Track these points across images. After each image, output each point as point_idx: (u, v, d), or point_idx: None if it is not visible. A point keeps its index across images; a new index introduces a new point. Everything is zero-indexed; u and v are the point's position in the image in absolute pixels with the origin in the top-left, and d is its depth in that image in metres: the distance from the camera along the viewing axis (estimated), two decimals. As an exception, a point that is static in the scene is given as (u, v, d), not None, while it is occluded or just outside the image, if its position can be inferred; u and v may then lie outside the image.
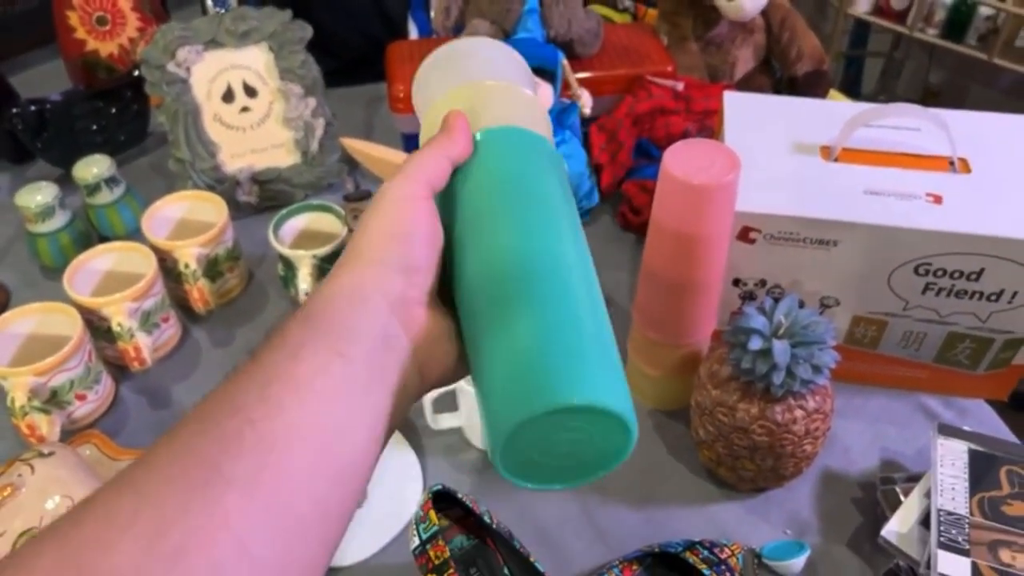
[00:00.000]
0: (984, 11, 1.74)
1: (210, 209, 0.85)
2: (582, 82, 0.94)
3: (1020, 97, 1.97)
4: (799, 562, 0.62)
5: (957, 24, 1.78)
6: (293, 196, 0.98)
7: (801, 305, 0.63)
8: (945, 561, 0.57)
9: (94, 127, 1.02)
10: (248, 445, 0.28)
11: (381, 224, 0.35)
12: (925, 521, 0.61)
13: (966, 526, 0.59)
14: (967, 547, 0.58)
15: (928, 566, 0.58)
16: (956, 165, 0.69)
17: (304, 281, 0.79)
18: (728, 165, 0.61)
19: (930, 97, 2.14)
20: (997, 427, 0.74)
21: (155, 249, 0.79)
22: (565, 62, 0.91)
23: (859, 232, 0.65)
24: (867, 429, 0.74)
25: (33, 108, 0.97)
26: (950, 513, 0.60)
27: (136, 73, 1.01)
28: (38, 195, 0.85)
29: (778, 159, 0.70)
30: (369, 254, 0.35)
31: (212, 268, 0.83)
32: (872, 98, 2.27)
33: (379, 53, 1.04)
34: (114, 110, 1.03)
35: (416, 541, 0.54)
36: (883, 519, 0.63)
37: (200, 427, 0.29)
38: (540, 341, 0.32)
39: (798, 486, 0.69)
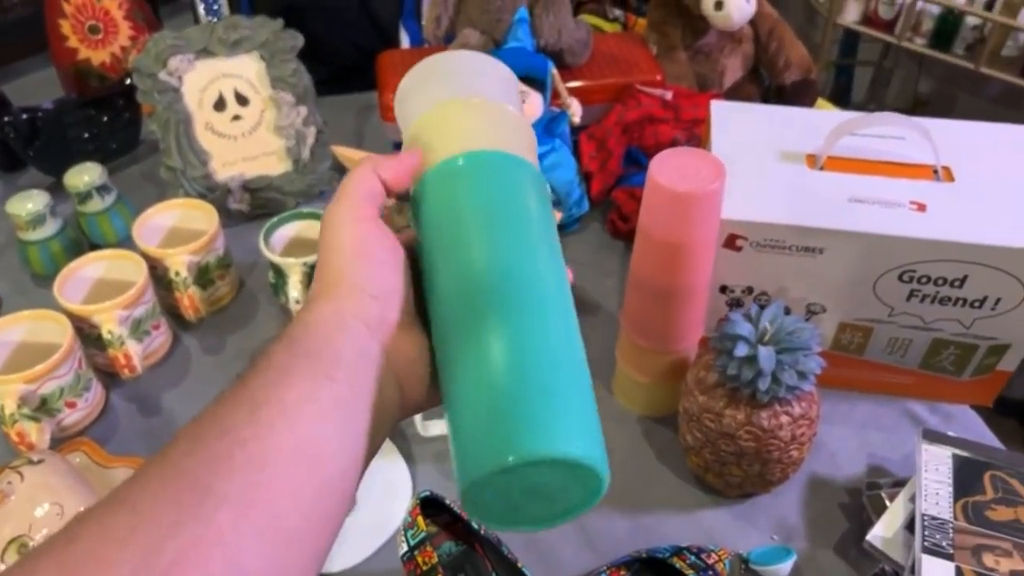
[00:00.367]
0: (971, 21, 1.75)
1: (201, 217, 0.85)
2: (572, 91, 0.95)
3: (1008, 106, 1.98)
4: (786, 567, 0.63)
5: (944, 34, 1.80)
6: (284, 204, 0.98)
7: (787, 312, 0.64)
8: (929, 565, 0.57)
9: (86, 135, 1.02)
10: (239, 465, 0.29)
11: (342, 249, 0.36)
12: (910, 526, 0.62)
13: (950, 531, 0.59)
14: (951, 552, 0.58)
15: (913, 570, 0.58)
16: (940, 173, 0.70)
17: (294, 289, 0.79)
18: (714, 173, 0.61)
19: (919, 106, 2.15)
20: (982, 432, 0.75)
21: (146, 257, 0.79)
22: (555, 71, 0.92)
23: (844, 239, 0.66)
24: (853, 435, 0.75)
25: (25, 116, 0.97)
26: (934, 518, 0.60)
27: (128, 81, 1.02)
28: (29, 203, 0.85)
29: (764, 167, 0.71)
30: (341, 280, 0.36)
31: (203, 276, 0.83)
32: (862, 107, 2.28)
33: (370, 62, 1.05)
34: (106, 118, 1.03)
35: (404, 547, 0.55)
36: (869, 524, 0.64)
37: (191, 447, 0.30)
38: (509, 384, 0.32)
39: (785, 492, 0.70)
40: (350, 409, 0.33)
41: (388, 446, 0.73)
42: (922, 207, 0.67)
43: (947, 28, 1.79)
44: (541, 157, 0.90)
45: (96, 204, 0.90)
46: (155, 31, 1.05)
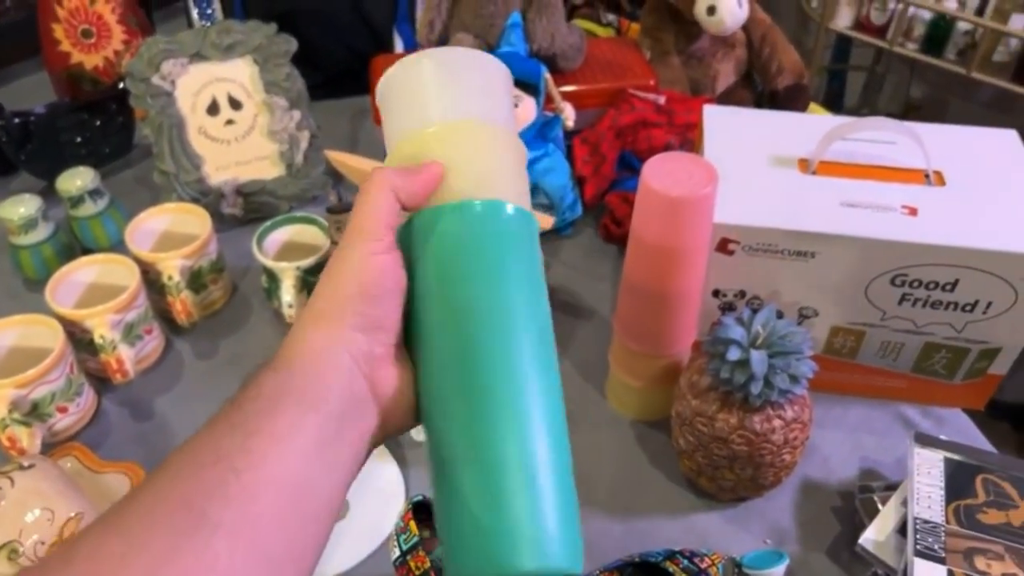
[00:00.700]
0: (962, 26, 1.76)
1: (194, 221, 0.85)
2: (565, 96, 0.95)
3: (1000, 110, 1.99)
4: (779, 571, 0.63)
5: (936, 39, 1.81)
6: (278, 208, 0.98)
7: (780, 316, 0.64)
8: (921, 569, 0.58)
9: (78, 139, 1.02)
10: (233, 493, 0.30)
11: (349, 285, 0.36)
12: (902, 529, 0.62)
13: (942, 534, 0.60)
14: (943, 555, 0.58)
15: (905, 574, 0.58)
16: (931, 178, 0.70)
17: (287, 293, 0.79)
18: (706, 178, 0.62)
19: (912, 111, 2.16)
20: (974, 436, 0.75)
21: (138, 261, 0.79)
22: (548, 76, 0.92)
23: (836, 244, 0.66)
24: (846, 438, 0.75)
25: (17, 120, 0.97)
26: (926, 521, 0.60)
27: (121, 86, 1.02)
28: (21, 207, 0.85)
29: (757, 172, 0.71)
30: (338, 313, 0.36)
31: (195, 280, 0.83)
32: (855, 112, 2.29)
33: (364, 66, 1.05)
34: (99, 123, 1.03)
35: (397, 552, 0.55)
36: (861, 528, 0.64)
37: (185, 471, 0.31)
38: (491, 493, 0.34)
39: (778, 495, 0.70)
40: (335, 441, 0.34)
41: (381, 450, 0.73)
42: (914, 211, 0.67)
43: (939, 33, 1.80)
44: (534, 161, 0.90)
45: (88, 208, 0.90)
46: (148, 35, 1.05)
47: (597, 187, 0.95)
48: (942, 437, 0.67)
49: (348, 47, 1.15)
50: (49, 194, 0.91)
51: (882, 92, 2.29)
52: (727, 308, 0.73)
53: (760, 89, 1.12)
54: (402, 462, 0.73)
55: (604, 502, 0.70)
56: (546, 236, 0.94)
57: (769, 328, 0.62)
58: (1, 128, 0.97)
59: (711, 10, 1.01)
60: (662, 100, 0.98)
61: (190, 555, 0.28)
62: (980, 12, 1.74)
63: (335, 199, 0.92)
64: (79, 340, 0.76)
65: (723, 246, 0.68)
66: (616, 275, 0.91)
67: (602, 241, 0.96)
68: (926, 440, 0.66)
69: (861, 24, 1.92)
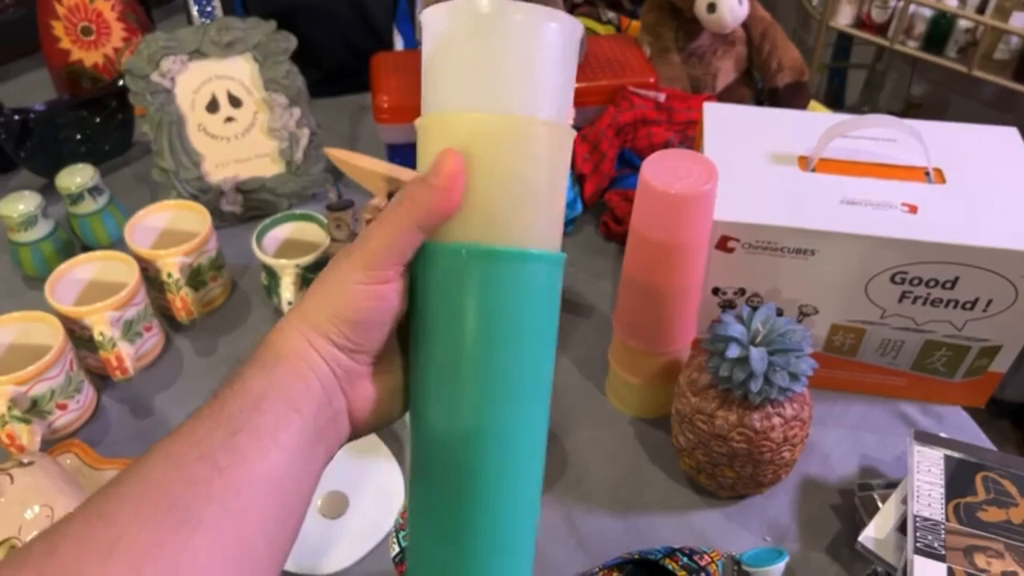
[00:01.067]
0: (963, 24, 1.76)
1: (193, 218, 0.85)
2: (565, 93, 0.95)
3: (1001, 108, 1.99)
4: (778, 568, 0.63)
5: (937, 37, 1.80)
6: (277, 206, 0.98)
7: (779, 313, 0.64)
8: (921, 566, 0.58)
9: (78, 137, 1.02)
10: (216, 490, 0.31)
11: (341, 304, 0.36)
12: (902, 527, 0.62)
13: (942, 532, 0.60)
14: (943, 553, 0.58)
15: (905, 572, 0.58)
16: (931, 175, 0.70)
17: (287, 290, 0.79)
18: (706, 175, 0.61)
19: (912, 109, 2.16)
20: (975, 434, 0.75)
21: (138, 258, 0.79)
22: (548, 73, 0.92)
23: (836, 241, 0.66)
24: (846, 436, 0.75)
25: (17, 117, 0.97)
26: (926, 519, 0.60)
27: (120, 83, 1.02)
28: (20, 204, 0.85)
29: (756, 169, 0.71)
30: (325, 327, 0.36)
31: (195, 277, 0.83)
32: (856, 109, 2.29)
33: (364, 64, 1.05)
34: (98, 120, 1.03)
35: (396, 549, 0.55)
36: (861, 525, 0.64)
37: (170, 464, 0.32)
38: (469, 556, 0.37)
39: (777, 493, 0.70)
40: (312, 442, 0.35)
41: (380, 448, 0.73)
42: (913, 209, 0.67)
43: (940, 31, 1.80)
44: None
45: (88, 205, 0.90)
46: (148, 32, 1.05)
47: (597, 185, 0.95)
48: (942, 435, 0.67)
49: (348, 44, 1.15)
50: (49, 191, 0.91)
51: (883, 90, 2.29)
52: (727, 306, 0.73)
53: (760, 87, 1.12)
54: (401, 460, 0.73)
55: (604, 500, 0.70)
56: (546, 234, 0.94)
57: (769, 326, 0.62)
58: (1, 125, 0.97)
59: (711, 7, 1.00)
60: (662, 98, 0.98)
61: (173, 549, 0.29)
62: (981, 10, 1.73)
63: (335, 196, 0.92)
64: (79, 337, 0.76)
65: (723, 243, 0.68)
66: (616, 273, 0.91)
67: (602, 239, 0.96)
68: (926, 438, 0.66)
69: (862, 22, 1.92)
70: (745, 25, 1.06)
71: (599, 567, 0.63)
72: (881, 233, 0.65)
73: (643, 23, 1.11)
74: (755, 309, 0.63)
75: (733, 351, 0.61)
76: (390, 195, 0.40)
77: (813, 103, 1.11)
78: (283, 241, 0.86)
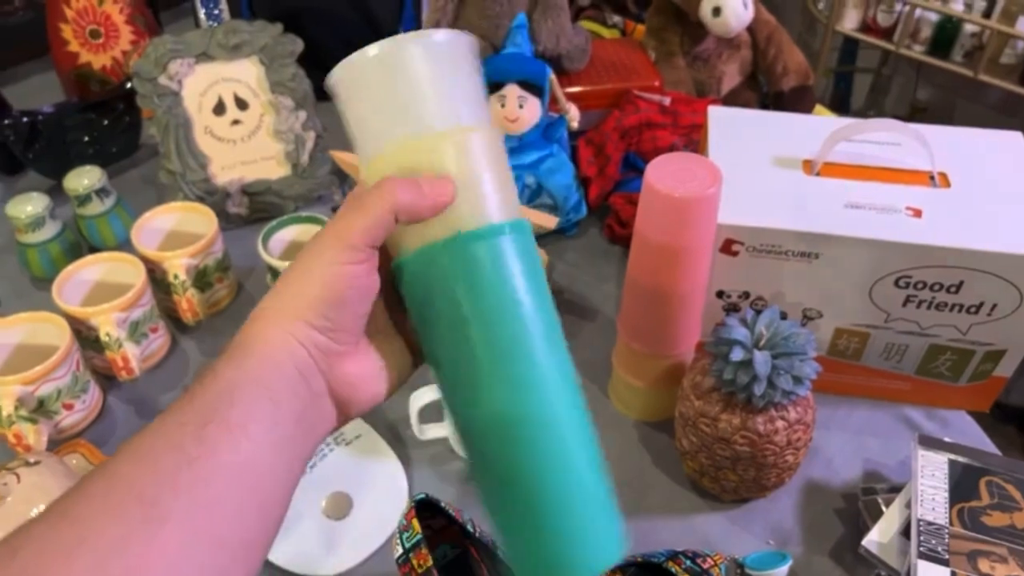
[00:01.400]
0: (969, 28, 1.76)
1: (200, 220, 0.85)
2: (570, 96, 0.95)
3: (1007, 113, 1.99)
4: (781, 572, 0.63)
5: (943, 41, 1.80)
6: (283, 208, 0.98)
7: (783, 317, 0.64)
8: (925, 571, 0.58)
9: (86, 139, 1.02)
10: (184, 483, 0.30)
11: (316, 286, 0.36)
12: (906, 531, 0.62)
13: (946, 536, 0.59)
14: (947, 557, 0.58)
15: (908, 576, 0.58)
16: (936, 179, 0.70)
17: (292, 292, 0.79)
18: (710, 178, 0.62)
19: (918, 113, 2.16)
20: (979, 438, 0.75)
21: (144, 260, 0.80)
22: (553, 77, 0.92)
23: (840, 245, 0.66)
24: (850, 440, 0.75)
25: (25, 120, 0.98)
26: (930, 523, 0.60)
27: (128, 86, 1.02)
28: (28, 205, 0.85)
29: (761, 173, 0.71)
30: (300, 312, 0.36)
31: (201, 279, 0.83)
32: (861, 113, 2.29)
33: (370, 67, 1.05)
34: (106, 122, 1.03)
35: (400, 550, 0.55)
36: (865, 529, 0.64)
37: (137, 459, 0.31)
38: (547, 516, 0.37)
39: (781, 496, 0.70)
40: (289, 430, 0.34)
41: (384, 449, 0.73)
42: (918, 213, 0.67)
43: (945, 35, 1.80)
44: (539, 162, 0.90)
45: (95, 207, 0.91)
46: (156, 35, 1.05)
47: (601, 188, 0.96)
48: (946, 439, 0.67)
49: (353, 47, 1.15)
50: (56, 193, 0.91)
51: (888, 94, 2.29)
52: (731, 309, 0.73)
53: (765, 90, 1.12)
54: (405, 461, 0.73)
55: (607, 502, 0.70)
56: (550, 237, 0.94)
57: (773, 329, 0.62)
58: (9, 127, 0.97)
59: (716, 11, 1.01)
60: (667, 101, 0.98)
61: (140, 545, 0.28)
62: (987, 14, 1.73)
63: (340, 199, 0.92)
64: (85, 338, 0.76)
65: (727, 247, 0.68)
66: (620, 276, 0.91)
67: (606, 242, 0.96)
68: (930, 442, 0.66)
69: (868, 26, 1.92)
70: (750, 29, 1.06)
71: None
72: (886, 237, 0.65)
73: (648, 27, 1.11)
74: (759, 312, 0.63)
75: (737, 354, 0.61)
76: None
77: (818, 107, 1.11)
78: (289, 243, 0.87)
